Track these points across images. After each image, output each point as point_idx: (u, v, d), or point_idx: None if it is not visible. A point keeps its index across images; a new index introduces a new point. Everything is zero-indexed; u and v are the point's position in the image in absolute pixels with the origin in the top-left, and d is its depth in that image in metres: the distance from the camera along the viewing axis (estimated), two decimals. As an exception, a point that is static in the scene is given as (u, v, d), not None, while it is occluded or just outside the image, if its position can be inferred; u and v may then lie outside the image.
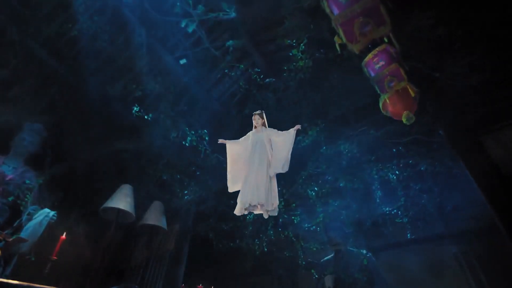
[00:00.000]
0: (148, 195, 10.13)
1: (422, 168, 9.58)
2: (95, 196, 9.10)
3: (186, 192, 10.25)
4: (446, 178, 9.66)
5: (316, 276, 10.09)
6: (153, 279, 9.86)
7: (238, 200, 6.54)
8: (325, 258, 10.47)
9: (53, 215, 7.52)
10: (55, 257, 6.47)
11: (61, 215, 7.94)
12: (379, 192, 10.39)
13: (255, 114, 7.31)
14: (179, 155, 9.98)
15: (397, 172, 9.86)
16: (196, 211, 11.23)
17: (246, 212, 6.60)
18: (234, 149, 7.27)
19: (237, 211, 6.56)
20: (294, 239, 10.39)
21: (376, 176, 10.04)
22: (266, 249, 10.29)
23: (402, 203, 10.30)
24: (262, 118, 7.28)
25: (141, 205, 9.45)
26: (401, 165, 9.75)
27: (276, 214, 6.81)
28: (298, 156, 9.47)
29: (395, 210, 10.52)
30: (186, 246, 10.82)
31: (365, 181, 10.23)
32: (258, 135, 7.10)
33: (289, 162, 6.80)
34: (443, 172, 9.49)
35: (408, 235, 10.43)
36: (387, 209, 10.64)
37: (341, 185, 10.19)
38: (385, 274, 9.81)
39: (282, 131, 7.09)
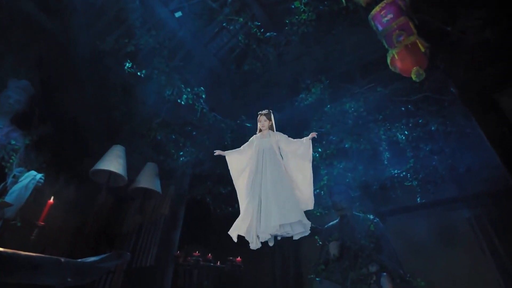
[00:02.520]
0: (141, 157, 10.28)
1: (432, 128, 9.56)
2: (85, 158, 9.19)
3: (181, 153, 10.35)
4: (458, 139, 9.71)
5: (320, 242, 10.14)
6: (146, 246, 10.00)
7: (250, 232, 5.62)
8: (330, 224, 10.53)
9: (40, 178, 7.54)
10: (42, 223, 6.55)
11: (49, 178, 8.03)
12: (387, 153, 10.38)
13: (261, 114, 6.56)
14: (174, 114, 10.05)
15: (406, 132, 9.85)
16: (192, 174, 11.38)
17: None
18: (236, 161, 6.51)
19: (253, 245, 5.66)
20: (297, 204, 10.40)
21: (383, 137, 10.02)
22: (266, 214, 10.38)
23: (412, 165, 10.28)
24: (270, 119, 6.53)
25: (133, 167, 9.55)
26: (410, 124, 9.76)
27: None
28: (300, 115, 9.57)
29: (404, 173, 10.54)
30: (182, 210, 11.06)
31: (372, 141, 10.22)
32: (265, 140, 6.33)
33: (313, 196, 5.96)
34: (455, 132, 9.55)
35: (418, 199, 10.41)
36: (396, 171, 10.69)
37: (346, 146, 10.20)
38: (393, 240, 9.86)
39: (294, 139, 6.33)
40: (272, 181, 5.77)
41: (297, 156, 6.14)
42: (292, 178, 6.03)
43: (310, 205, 5.89)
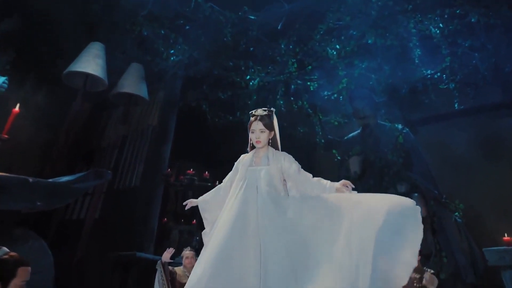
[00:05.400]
0: (124, 56, 10.22)
1: (472, 20, 9.26)
2: (57, 58, 9.13)
3: (172, 51, 10.21)
4: (504, 33, 9.44)
5: (339, 157, 10.14)
6: (130, 162, 10.05)
7: None
8: (350, 135, 10.55)
9: (4, 82, 7.48)
10: (6, 136, 6.47)
11: (14, 81, 7.95)
12: (418, 50, 10.18)
13: (255, 116, 4.23)
14: (163, 5, 9.83)
15: (441, 25, 9.60)
16: (185, 76, 11.24)
17: None
18: (214, 209, 4.39)
19: None
20: (311, 111, 10.50)
21: (414, 30, 9.81)
22: (274, 124, 10.27)
23: (448, 64, 9.98)
24: (270, 128, 4.24)
25: (115, 68, 9.48)
26: (445, 16, 9.50)
27: None
28: (314, 6, 9.34)
29: (438, 74, 10.32)
30: (173, 120, 11.01)
31: (400, 36, 9.97)
32: (258, 170, 4.19)
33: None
34: (499, 25, 9.29)
35: (456, 105, 10.26)
36: (429, 72, 10.46)
37: (369, 41, 9.97)
38: (426, 154, 10.00)
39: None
40: (291, 244, 3.72)
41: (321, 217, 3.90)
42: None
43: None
